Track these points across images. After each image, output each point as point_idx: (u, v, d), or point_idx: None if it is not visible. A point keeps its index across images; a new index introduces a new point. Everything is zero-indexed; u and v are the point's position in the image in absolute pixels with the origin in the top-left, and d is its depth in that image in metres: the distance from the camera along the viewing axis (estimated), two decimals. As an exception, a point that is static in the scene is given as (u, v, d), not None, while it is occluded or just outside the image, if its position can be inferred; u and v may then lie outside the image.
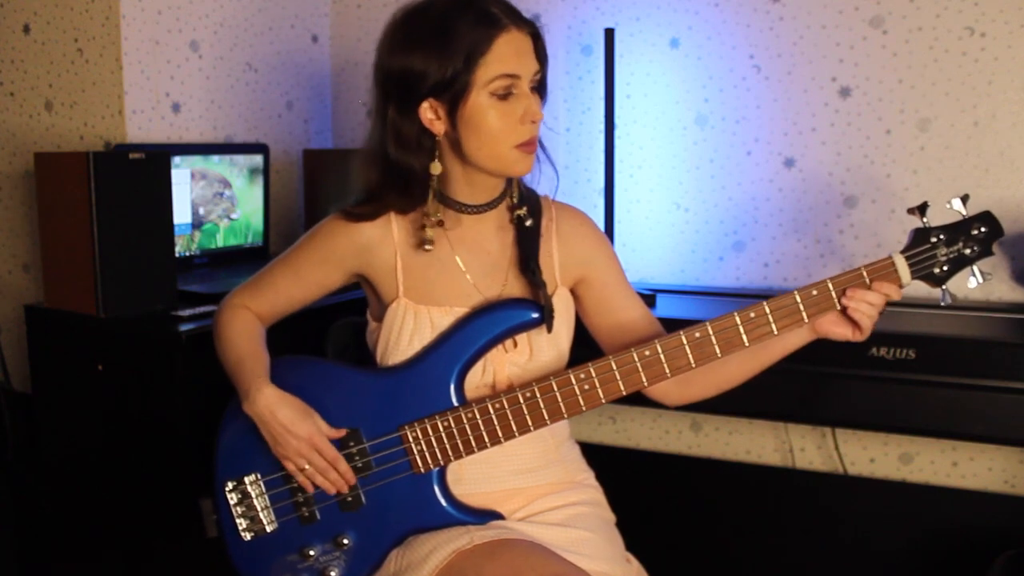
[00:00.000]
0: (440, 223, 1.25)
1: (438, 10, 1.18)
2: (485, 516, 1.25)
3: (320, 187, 2.29)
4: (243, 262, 2.16)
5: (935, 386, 1.62)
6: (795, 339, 1.24)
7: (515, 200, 1.30)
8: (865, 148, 1.99)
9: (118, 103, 1.96)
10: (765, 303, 1.18)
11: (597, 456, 1.44)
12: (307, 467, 1.21)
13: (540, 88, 1.23)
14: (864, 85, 1.97)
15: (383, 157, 1.23)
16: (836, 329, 1.20)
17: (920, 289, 1.89)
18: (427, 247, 1.25)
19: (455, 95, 1.17)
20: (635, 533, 1.39)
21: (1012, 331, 1.67)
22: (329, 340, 1.52)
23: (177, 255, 1.91)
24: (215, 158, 2.08)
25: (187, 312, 1.69)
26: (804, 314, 1.18)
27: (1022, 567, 1.71)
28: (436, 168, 1.22)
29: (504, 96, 1.17)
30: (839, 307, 1.18)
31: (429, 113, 1.20)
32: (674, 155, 2.17)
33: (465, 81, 1.16)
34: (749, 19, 2.06)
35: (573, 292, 1.35)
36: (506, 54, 1.16)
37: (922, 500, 1.97)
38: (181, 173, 1.98)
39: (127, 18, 1.94)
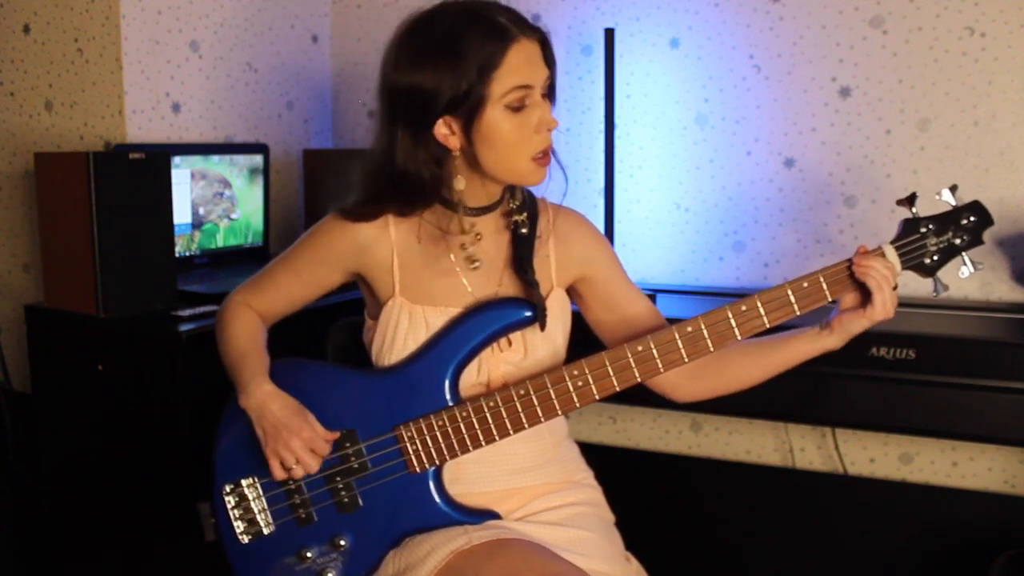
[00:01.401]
0: (479, 237, 1.26)
1: (445, 24, 1.16)
2: (482, 516, 1.25)
3: (320, 187, 2.29)
4: (243, 262, 2.16)
5: (935, 386, 1.62)
6: (819, 344, 1.22)
7: (514, 205, 1.30)
8: (865, 148, 1.99)
9: (118, 103, 1.96)
10: (756, 296, 1.19)
11: (597, 456, 1.44)
12: (295, 466, 1.21)
13: (550, 93, 1.23)
14: (864, 85, 1.97)
15: (390, 168, 1.22)
16: (857, 322, 1.19)
17: (920, 289, 1.88)
18: (474, 265, 1.26)
19: (470, 111, 1.16)
20: (635, 533, 1.39)
21: (1012, 331, 1.67)
22: (329, 340, 1.52)
23: (177, 255, 1.91)
24: (215, 158, 2.08)
25: (187, 312, 1.69)
26: (795, 306, 1.18)
27: (1022, 567, 1.71)
28: (460, 183, 1.22)
29: (518, 108, 1.17)
30: (851, 277, 1.17)
31: (444, 129, 1.19)
32: (674, 155, 2.17)
33: (479, 96, 1.15)
34: (749, 19, 2.06)
35: (576, 291, 1.35)
36: (518, 65, 1.15)
37: (922, 500, 1.97)
38: (181, 173, 1.98)
39: (127, 18, 1.94)
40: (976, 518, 1.93)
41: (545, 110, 1.19)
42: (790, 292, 1.18)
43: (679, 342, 1.19)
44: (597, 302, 1.34)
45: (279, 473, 1.22)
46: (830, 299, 1.19)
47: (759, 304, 1.18)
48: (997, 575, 1.71)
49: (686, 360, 1.20)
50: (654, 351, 1.20)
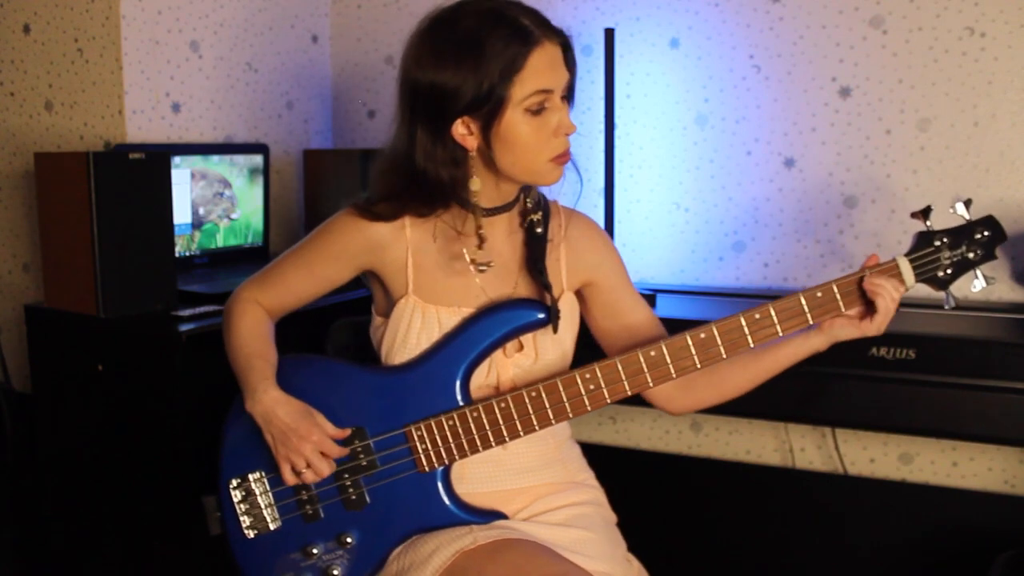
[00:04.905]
0: (483, 241, 1.24)
1: (470, 23, 1.16)
2: (488, 516, 1.25)
3: (320, 187, 2.29)
4: (243, 262, 2.16)
5: (935, 386, 1.62)
6: (806, 346, 1.23)
7: (529, 205, 1.30)
8: (865, 148, 1.99)
9: (118, 103, 1.96)
10: (771, 304, 1.18)
11: (597, 456, 1.44)
12: (305, 470, 1.21)
13: (569, 95, 1.23)
14: (864, 85, 1.97)
15: (409, 166, 1.22)
16: (848, 330, 1.21)
17: (921, 289, 1.89)
18: (482, 268, 1.24)
19: (490, 112, 1.16)
20: (636, 533, 1.39)
21: (1012, 331, 1.67)
22: (329, 340, 1.52)
23: (177, 255, 1.91)
24: (215, 158, 2.08)
25: (187, 312, 1.69)
26: (808, 316, 1.18)
27: (1022, 567, 1.71)
28: (476, 184, 1.21)
29: (538, 112, 1.17)
30: (860, 292, 1.18)
31: (462, 128, 1.19)
32: (674, 155, 2.17)
33: (500, 98, 1.15)
34: (749, 19, 2.06)
35: (581, 296, 1.35)
36: (540, 69, 1.15)
37: (922, 500, 1.97)
38: (181, 173, 1.98)
39: (127, 18, 1.94)
40: (976, 518, 1.93)
41: (564, 114, 1.19)
42: (804, 301, 1.18)
43: (692, 348, 1.19)
44: (600, 309, 1.35)
45: (290, 479, 1.21)
46: (843, 310, 1.19)
47: (773, 312, 1.18)
48: (997, 575, 1.71)
49: (699, 366, 1.20)
50: (666, 356, 1.19)
